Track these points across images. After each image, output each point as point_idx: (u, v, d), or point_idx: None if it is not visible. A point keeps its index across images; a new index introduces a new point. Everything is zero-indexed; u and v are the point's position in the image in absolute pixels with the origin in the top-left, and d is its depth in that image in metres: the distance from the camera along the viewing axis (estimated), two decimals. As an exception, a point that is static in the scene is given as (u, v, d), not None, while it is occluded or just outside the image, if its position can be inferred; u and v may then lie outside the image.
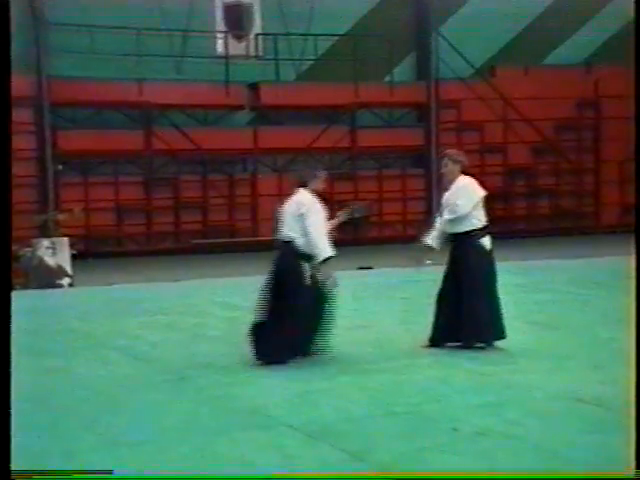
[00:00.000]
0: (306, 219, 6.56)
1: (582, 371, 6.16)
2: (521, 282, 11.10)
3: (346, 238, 17.85)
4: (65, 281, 12.31)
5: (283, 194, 20.32)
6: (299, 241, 6.60)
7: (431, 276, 11.97)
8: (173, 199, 17.46)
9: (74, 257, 12.69)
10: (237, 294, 10.82)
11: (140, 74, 16.33)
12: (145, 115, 16.97)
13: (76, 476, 3.96)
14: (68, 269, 12.39)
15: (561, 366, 6.34)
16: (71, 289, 12.19)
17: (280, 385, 5.95)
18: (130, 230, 17.19)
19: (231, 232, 17.82)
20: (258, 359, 6.58)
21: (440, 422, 4.90)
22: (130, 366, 6.74)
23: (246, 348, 7.50)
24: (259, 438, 4.68)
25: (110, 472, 4.01)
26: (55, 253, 12.36)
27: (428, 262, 11.26)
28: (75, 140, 15.66)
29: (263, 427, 4.91)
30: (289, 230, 6.65)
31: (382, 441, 4.58)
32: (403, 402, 5.40)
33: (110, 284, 12.07)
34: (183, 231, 17.52)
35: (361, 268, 12.93)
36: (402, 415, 5.11)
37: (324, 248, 6.51)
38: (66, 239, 12.73)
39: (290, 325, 6.49)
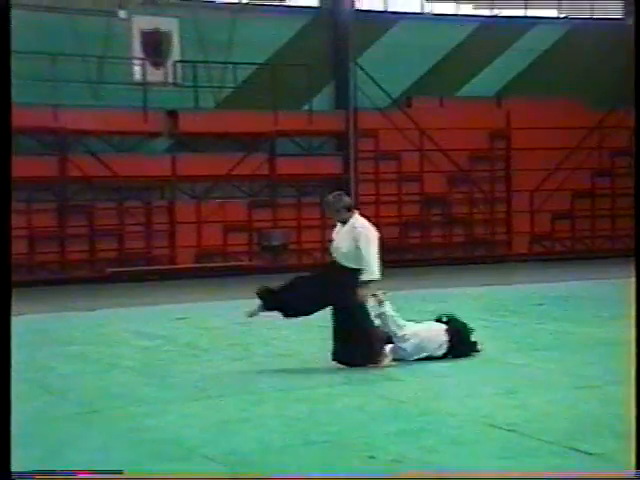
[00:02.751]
0: None
1: (495, 397, 6.28)
2: (435, 309, 11.27)
3: (265, 265, 17.86)
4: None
5: (202, 221, 20.19)
6: None
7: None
8: (88, 227, 17.14)
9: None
10: (154, 323, 10.67)
11: (56, 100, 16.05)
12: (60, 141, 16.66)
13: (83, 477, 3.83)
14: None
15: (475, 392, 6.46)
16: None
17: (197, 415, 5.87)
18: (42, 258, 16.78)
19: (148, 260, 17.58)
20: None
21: (357, 450, 4.93)
22: (41, 399, 6.55)
23: (161, 377, 7.40)
24: (174, 469, 4.61)
25: (119, 472, 3.89)
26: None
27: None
28: (-14, 165, 15.19)
29: (179, 458, 4.84)
30: None
31: (300, 470, 4.57)
32: (321, 431, 5.40)
33: (20, 314, 11.71)
34: (98, 259, 17.20)
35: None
36: (320, 444, 5.11)
37: None
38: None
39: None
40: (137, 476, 4.04)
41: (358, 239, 7.21)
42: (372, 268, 7.15)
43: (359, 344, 7.23)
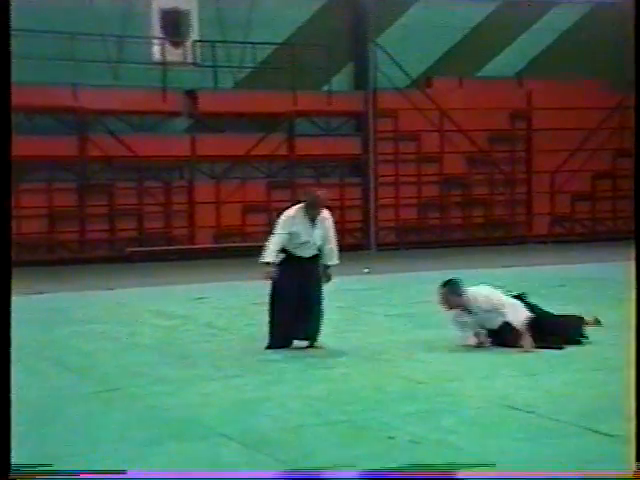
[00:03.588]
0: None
1: (514, 379, 6.27)
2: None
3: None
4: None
5: (220, 202, 20.20)
6: None
7: (365, 284, 12.05)
8: (108, 206, 17.19)
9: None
10: (173, 302, 10.72)
11: (75, 79, 16.06)
12: (80, 121, 16.69)
13: (83, 477, 3.86)
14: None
15: (494, 374, 6.44)
16: None
17: (215, 394, 5.90)
18: (63, 237, 16.87)
19: (167, 240, 17.63)
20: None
21: (376, 430, 4.93)
22: (62, 377, 6.61)
23: (180, 356, 7.43)
24: (193, 448, 4.64)
25: (123, 472, 3.92)
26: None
27: (366, 270, 11.33)
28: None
29: (198, 437, 4.86)
30: None
31: (318, 450, 4.58)
32: (339, 411, 5.41)
33: (41, 292, 11.81)
34: (118, 239, 17.27)
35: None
36: (338, 424, 5.12)
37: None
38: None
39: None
40: (138, 476, 4.06)
41: (329, 229, 7.65)
42: (336, 254, 7.64)
43: (319, 322, 7.53)
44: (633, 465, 3.42)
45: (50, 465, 4.16)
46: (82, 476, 3.90)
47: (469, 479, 4.16)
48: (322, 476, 4.20)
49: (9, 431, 3.06)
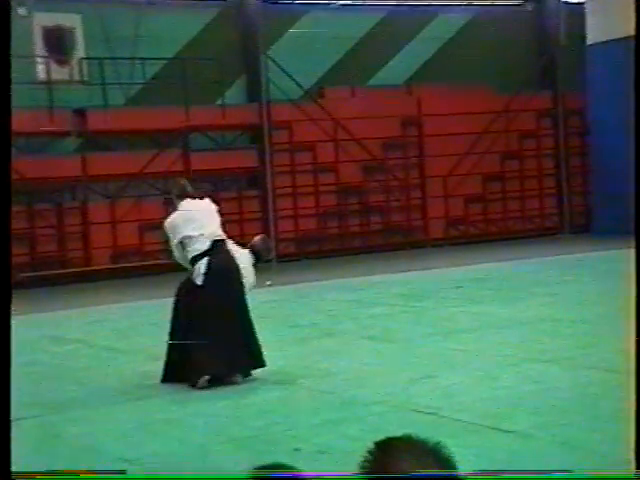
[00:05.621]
0: None
1: (416, 381, 6.36)
2: (356, 298, 11.37)
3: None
4: None
5: (116, 221, 19.75)
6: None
7: (267, 297, 11.98)
8: (-3, 231, 16.59)
9: None
10: (70, 327, 10.43)
11: (-45, 101, 15.47)
12: (-37, 144, 16.08)
13: (83, 476, 3.67)
14: None
15: (396, 378, 6.52)
16: None
17: (117, 419, 5.76)
18: (-49, 266, 16.17)
19: (62, 263, 17.14)
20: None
21: (282, 443, 4.92)
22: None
23: (79, 382, 7.23)
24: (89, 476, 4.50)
25: (123, 472, 3.75)
26: None
27: (268, 283, 11.24)
28: None
29: (99, 464, 4.73)
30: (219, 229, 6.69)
31: (222, 469, 4.52)
32: (245, 427, 5.37)
33: None
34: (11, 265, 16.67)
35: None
36: (243, 440, 5.08)
37: None
38: None
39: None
40: (138, 476, 3.95)
41: None
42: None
43: None
44: (633, 470, 3.49)
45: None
46: (82, 476, 3.76)
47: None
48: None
49: (9, 431, 2.93)
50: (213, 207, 7.07)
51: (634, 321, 3.12)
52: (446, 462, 1.71)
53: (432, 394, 5.87)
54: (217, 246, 6.69)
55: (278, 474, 1.79)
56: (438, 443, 1.73)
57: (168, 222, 6.95)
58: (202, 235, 6.67)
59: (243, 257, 6.85)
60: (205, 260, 6.61)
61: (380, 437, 4.85)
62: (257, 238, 7.32)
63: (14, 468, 4.71)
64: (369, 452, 1.75)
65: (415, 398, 5.78)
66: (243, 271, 6.74)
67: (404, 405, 5.63)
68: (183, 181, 7.34)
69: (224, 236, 6.91)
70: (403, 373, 6.67)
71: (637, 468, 3.40)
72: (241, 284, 6.70)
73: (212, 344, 6.39)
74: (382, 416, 5.43)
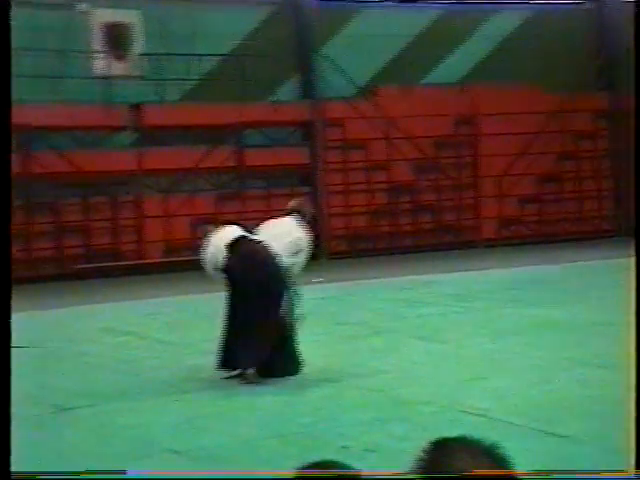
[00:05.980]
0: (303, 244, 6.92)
1: (466, 383, 6.30)
2: (406, 297, 11.31)
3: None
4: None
5: (169, 215, 19.98)
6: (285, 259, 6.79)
7: (317, 293, 11.98)
8: (54, 223, 16.91)
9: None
10: (123, 319, 10.57)
11: (17, 95, 15.80)
12: (23, 138, 16.41)
13: (83, 476, 3.76)
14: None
15: (446, 379, 6.47)
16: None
17: (167, 411, 5.83)
18: (9, 256, 16.54)
19: (116, 256, 17.39)
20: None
21: (330, 441, 4.92)
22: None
23: (131, 373, 7.33)
24: (140, 467, 4.56)
25: (123, 472, 3.83)
26: None
27: (319, 280, 11.23)
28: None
29: (145, 455, 4.79)
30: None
31: (270, 464, 4.54)
32: (293, 423, 5.39)
33: (-13, 314, 11.54)
34: (65, 256, 16.98)
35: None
36: (291, 436, 5.09)
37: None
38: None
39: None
40: (138, 476, 4.00)
41: None
42: None
43: None
44: (632, 471, 3.43)
45: None
46: (82, 476, 3.83)
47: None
48: None
49: (9, 432, 3.00)
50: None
51: (634, 321, 3.05)
52: (502, 462, 1.70)
53: (482, 396, 5.81)
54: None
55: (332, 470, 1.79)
56: (493, 443, 1.71)
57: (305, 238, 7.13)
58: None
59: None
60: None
61: (429, 437, 4.79)
62: (292, 203, 7.46)
63: (72, 454, 4.81)
64: (425, 451, 1.75)
65: (464, 399, 5.73)
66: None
67: (453, 406, 5.58)
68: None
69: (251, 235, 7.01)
70: (452, 373, 6.62)
71: (637, 468, 3.33)
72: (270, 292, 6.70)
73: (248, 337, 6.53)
74: (431, 416, 5.39)
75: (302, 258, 6.97)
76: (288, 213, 7.28)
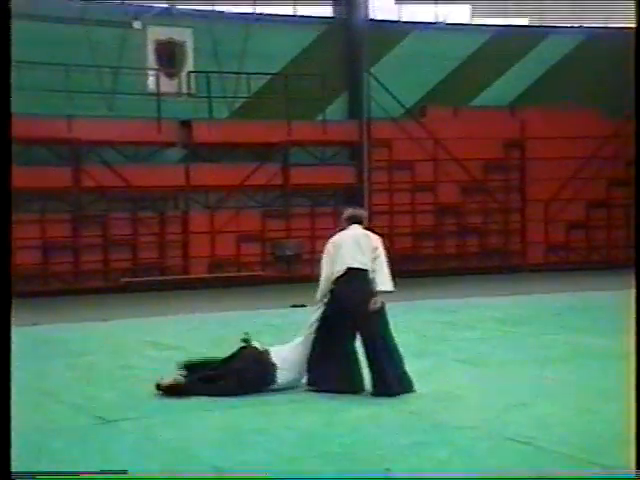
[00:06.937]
0: (380, 252, 6.93)
1: (510, 409, 6.22)
2: (450, 320, 11.23)
3: (278, 275, 17.84)
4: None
5: (215, 231, 20.18)
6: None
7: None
8: (102, 237, 17.18)
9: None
10: (167, 333, 10.66)
11: (70, 110, 16.12)
12: (74, 152, 16.73)
13: (83, 476, 3.82)
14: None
15: (489, 404, 6.39)
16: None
17: (211, 426, 5.85)
18: (57, 268, 16.82)
19: (161, 270, 17.60)
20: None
21: (372, 462, 4.88)
22: (55, 410, 6.54)
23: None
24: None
25: (124, 472, 3.88)
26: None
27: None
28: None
29: (187, 470, 4.80)
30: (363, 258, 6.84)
31: (312, 483, 4.53)
32: (335, 442, 5.36)
33: (35, 324, 11.74)
34: (112, 269, 17.23)
35: (294, 306, 12.89)
36: (334, 456, 5.07)
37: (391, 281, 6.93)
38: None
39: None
40: (138, 476, 4.02)
41: None
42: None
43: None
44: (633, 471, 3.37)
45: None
46: (82, 476, 3.87)
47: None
48: None
49: (9, 431, 3.06)
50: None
51: (634, 328, 2.98)
52: None
53: (527, 423, 5.72)
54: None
55: None
56: None
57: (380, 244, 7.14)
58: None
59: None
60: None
61: (473, 463, 4.74)
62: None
63: (113, 467, 4.85)
64: None
65: (509, 425, 5.65)
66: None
67: (497, 432, 5.51)
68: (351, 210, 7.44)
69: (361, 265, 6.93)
70: (496, 399, 6.54)
71: (637, 468, 3.25)
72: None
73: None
74: (473, 441, 5.32)
75: (382, 264, 6.92)
76: (349, 223, 7.17)
